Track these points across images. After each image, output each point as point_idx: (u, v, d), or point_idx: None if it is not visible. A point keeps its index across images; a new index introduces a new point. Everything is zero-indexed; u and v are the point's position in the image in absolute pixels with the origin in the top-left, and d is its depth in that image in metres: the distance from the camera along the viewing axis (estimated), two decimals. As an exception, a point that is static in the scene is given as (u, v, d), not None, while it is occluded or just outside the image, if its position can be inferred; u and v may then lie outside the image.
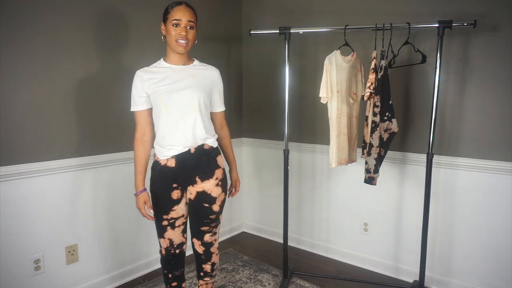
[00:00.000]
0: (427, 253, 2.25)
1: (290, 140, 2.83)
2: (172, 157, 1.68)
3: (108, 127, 2.29)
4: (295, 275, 2.56)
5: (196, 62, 1.78)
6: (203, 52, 2.80)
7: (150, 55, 2.24)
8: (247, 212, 3.41)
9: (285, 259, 2.45)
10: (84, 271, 2.25)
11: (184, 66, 1.71)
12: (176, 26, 1.61)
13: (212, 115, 1.85)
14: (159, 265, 2.00)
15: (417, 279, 2.26)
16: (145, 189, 1.74)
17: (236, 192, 2.01)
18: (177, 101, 1.64)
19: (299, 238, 3.05)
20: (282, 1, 2.90)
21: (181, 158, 1.69)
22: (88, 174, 2.22)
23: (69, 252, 2.17)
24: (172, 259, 1.82)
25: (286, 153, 2.35)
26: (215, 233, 1.85)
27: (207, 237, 1.82)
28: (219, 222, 1.85)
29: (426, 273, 2.28)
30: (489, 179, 2.13)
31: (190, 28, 1.63)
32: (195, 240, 1.84)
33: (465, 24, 1.91)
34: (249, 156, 3.30)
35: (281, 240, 2.88)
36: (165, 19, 1.66)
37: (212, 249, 1.86)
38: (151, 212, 1.76)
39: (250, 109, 3.27)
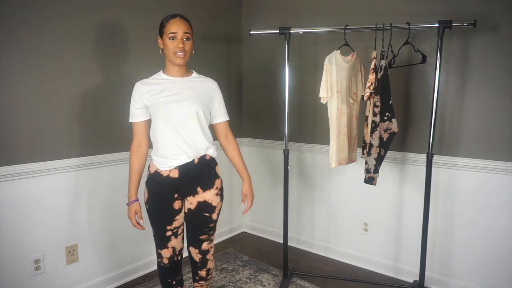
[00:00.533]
0: (427, 253, 2.24)
1: (290, 140, 2.83)
2: (176, 167, 1.69)
3: (108, 127, 2.29)
4: (295, 275, 2.56)
5: (194, 74, 1.79)
6: (204, 52, 2.80)
7: (149, 54, 2.25)
8: (247, 212, 3.40)
9: (285, 259, 2.45)
10: (84, 271, 2.25)
11: (182, 78, 1.72)
12: (173, 39, 1.62)
13: (216, 127, 1.85)
14: (159, 265, 2.00)
15: (417, 279, 2.26)
16: (137, 200, 1.75)
17: (248, 208, 1.92)
18: (175, 112, 1.65)
19: (299, 238, 3.05)
20: (282, 1, 2.90)
21: (185, 169, 1.69)
22: (88, 174, 2.22)
23: (69, 252, 2.17)
24: (174, 266, 1.84)
25: (286, 153, 2.35)
26: (211, 241, 1.88)
27: (205, 245, 1.85)
28: (216, 229, 1.88)
29: (426, 273, 2.28)
30: (489, 179, 2.13)
31: (186, 40, 1.64)
32: (192, 248, 1.86)
33: (465, 24, 1.91)
34: (249, 156, 3.29)
35: (281, 240, 2.88)
36: (161, 33, 1.66)
37: (208, 256, 1.88)
38: (141, 222, 1.77)
39: (250, 109, 3.27)
